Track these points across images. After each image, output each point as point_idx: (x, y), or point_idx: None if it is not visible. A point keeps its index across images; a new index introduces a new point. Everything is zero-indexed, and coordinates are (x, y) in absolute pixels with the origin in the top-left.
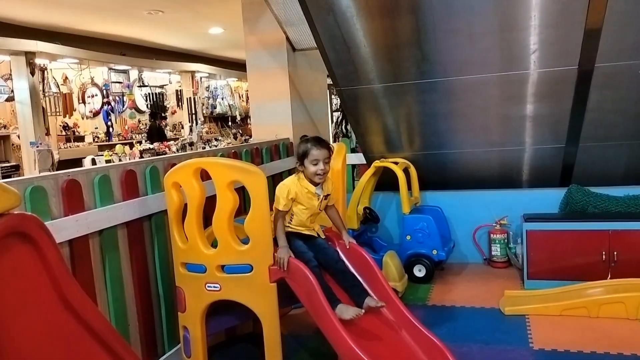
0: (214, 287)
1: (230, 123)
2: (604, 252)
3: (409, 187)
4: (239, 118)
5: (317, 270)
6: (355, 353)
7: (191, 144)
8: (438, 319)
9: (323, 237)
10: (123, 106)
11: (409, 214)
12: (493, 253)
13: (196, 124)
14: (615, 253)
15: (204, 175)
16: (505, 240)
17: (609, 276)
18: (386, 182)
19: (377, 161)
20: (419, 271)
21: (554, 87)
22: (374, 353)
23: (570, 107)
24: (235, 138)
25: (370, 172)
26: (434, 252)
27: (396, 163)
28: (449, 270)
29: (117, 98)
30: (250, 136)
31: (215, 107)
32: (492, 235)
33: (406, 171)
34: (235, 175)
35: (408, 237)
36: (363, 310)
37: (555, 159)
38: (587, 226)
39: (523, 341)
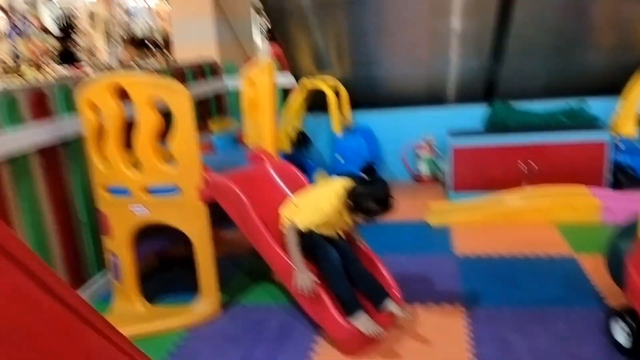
0: (141, 209)
1: (152, 47)
2: (523, 164)
3: (340, 108)
4: (161, 42)
5: (340, 268)
6: (291, 268)
7: (109, 68)
8: (367, 233)
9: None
10: (29, 27)
11: (339, 134)
12: (420, 170)
13: (114, 47)
14: (533, 164)
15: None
16: (432, 157)
17: (528, 186)
18: (317, 103)
19: (307, 82)
20: None
21: (479, 1)
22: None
23: (494, 22)
24: (159, 63)
25: (299, 92)
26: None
27: (326, 83)
28: None
29: (22, 18)
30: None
31: (134, 31)
32: (419, 152)
33: (337, 92)
34: (157, 92)
35: (339, 158)
36: (382, 330)
37: (479, 74)
38: (508, 140)
39: (446, 249)
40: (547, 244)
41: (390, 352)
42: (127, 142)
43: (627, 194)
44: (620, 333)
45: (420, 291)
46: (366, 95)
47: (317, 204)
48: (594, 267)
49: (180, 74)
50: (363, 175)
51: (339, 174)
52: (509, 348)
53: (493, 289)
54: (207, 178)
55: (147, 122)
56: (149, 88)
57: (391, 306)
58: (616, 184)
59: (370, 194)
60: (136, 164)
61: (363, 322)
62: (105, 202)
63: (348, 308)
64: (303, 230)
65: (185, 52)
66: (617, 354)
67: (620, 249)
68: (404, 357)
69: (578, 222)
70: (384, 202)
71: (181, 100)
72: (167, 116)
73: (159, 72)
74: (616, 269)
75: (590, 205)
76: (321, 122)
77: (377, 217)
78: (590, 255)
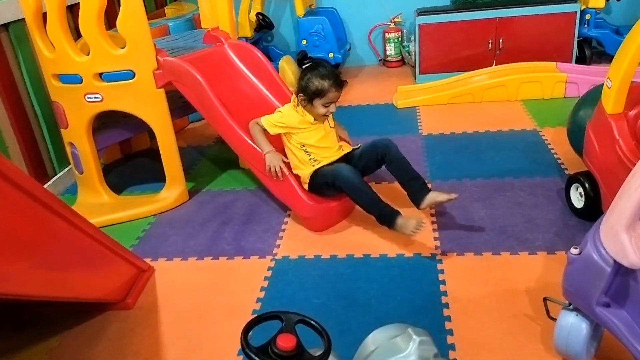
0: (95, 97)
1: None
2: (490, 41)
3: None
4: None
5: (357, 179)
6: (254, 150)
7: None
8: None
9: (351, 148)
10: None
11: (303, 16)
12: (388, 53)
13: None
14: (500, 41)
15: None
16: (400, 39)
17: (494, 63)
18: None
19: None
20: None
21: None
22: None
23: None
24: None
25: None
26: (331, 55)
27: None
28: (345, 73)
29: None
30: None
31: None
32: (386, 34)
33: None
34: None
35: (304, 42)
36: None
37: None
38: (476, 16)
39: (413, 129)
40: (512, 120)
41: (357, 223)
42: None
43: (592, 68)
44: (576, 196)
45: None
46: None
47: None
48: (557, 140)
49: None
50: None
51: (304, 57)
52: (470, 215)
53: (457, 164)
54: (161, 61)
55: (89, 2)
56: None
57: (438, 197)
58: (582, 58)
59: (313, 75)
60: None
61: (404, 226)
62: (57, 91)
63: (383, 220)
64: (265, 127)
65: None
66: (571, 215)
67: (581, 116)
68: (370, 229)
69: (543, 98)
70: (330, 77)
71: None
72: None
73: None
74: (576, 137)
75: (555, 80)
76: (284, 5)
77: (333, 96)
78: (553, 129)
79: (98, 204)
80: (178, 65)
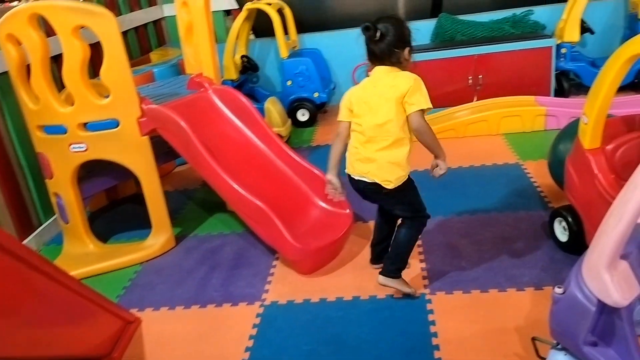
0: (79, 147)
1: None
2: (470, 77)
3: (286, 31)
4: None
5: (377, 221)
6: (240, 195)
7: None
8: (322, 156)
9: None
10: None
11: (287, 58)
12: None
13: None
14: (480, 77)
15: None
16: None
17: (475, 99)
18: (262, 27)
19: (248, 3)
20: (302, 115)
21: None
22: (260, 192)
23: None
24: None
25: (242, 16)
26: (316, 95)
27: (269, 4)
28: (331, 112)
29: None
30: None
31: None
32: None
33: (282, 13)
34: (79, 19)
35: (289, 83)
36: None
37: None
38: (455, 53)
39: None
40: (495, 155)
41: (346, 264)
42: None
43: (570, 100)
44: (560, 230)
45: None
46: (314, 17)
47: None
48: (539, 173)
49: (112, 3)
50: None
51: (291, 100)
52: (457, 253)
53: (443, 201)
54: (145, 109)
55: (73, 53)
56: (70, 14)
57: (385, 282)
58: (561, 91)
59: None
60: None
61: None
62: (41, 142)
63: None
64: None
65: None
66: (556, 249)
67: (561, 150)
68: (359, 269)
69: (524, 131)
70: None
71: (107, 25)
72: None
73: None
74: (557, 171)
75: (535, 114)
76: (268, 47)
77: None
78: (535, 162)
79: (84, 254)
80: (162, 113)
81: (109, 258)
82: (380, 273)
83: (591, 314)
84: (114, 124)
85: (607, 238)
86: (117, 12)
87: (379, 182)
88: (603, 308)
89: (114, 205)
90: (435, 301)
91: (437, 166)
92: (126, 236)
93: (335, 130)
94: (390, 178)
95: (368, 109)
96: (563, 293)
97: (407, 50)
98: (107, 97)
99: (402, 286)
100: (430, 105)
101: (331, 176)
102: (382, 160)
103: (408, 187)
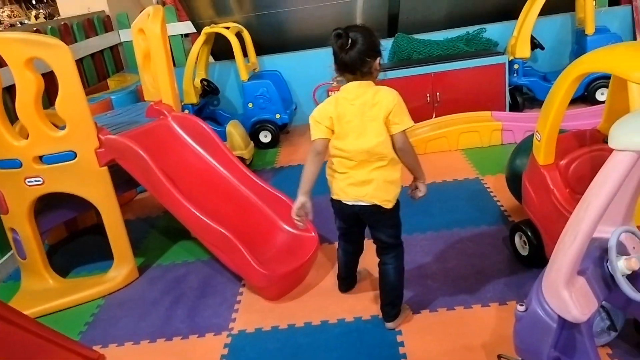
0: (35, 181)
1: (35, 2)
2: (428, 95)
3: (245, 54)
4: None
5: (344, 252)
6: (203, 223)
7: None
8: (286, 178)
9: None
10: None
11: (247, 81)
12: None
13: None
14: (437, 94)
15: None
16: None
17: (434, 115)
18: (221, 50)
19: (206, 27)
20: (265, 137)
21: None
22: (224, 219)
23: None
24: (47, 19)
25: (201, 40)
26: (277, 116)
27: (228, 28)
28: (294, 132)
29: None
30: None
31: None
32: (330, 92)
33: (240, 37)
34: (31, 51)
35: (250, 105)
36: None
37: (381, 9)
38: (412, 72)
39: None
40: (455, 170)
41: (313, 288)
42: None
43: (525, 114)
44: (520, 244)
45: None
46: (273, 39)
47: None
48: (498, 187)
49: (67, 30)
50: None
51: (253, 122)
52: (423, 271)
53: (407, 218)
54: (103, 139)
55: (26, 85)
56: (22, 47)
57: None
58: (515, 105)
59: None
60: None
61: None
62: None
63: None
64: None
65: (71, 6)
66: (518, 263)
67: (517, 165)
68: (326, 293)
69: (482, 146)
70: None
71: (60, 56)
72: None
73: (41, 27)
74: (515, 185)
75: (492, 129)
76: (228, 69)
77: None
78: (494, 176)
79: (43, 290)
80: (120, 143)
81: (69, 293)
82: (388, 321)
83: (553, 330)
84: (71, 155)
85: (563, 256)
86: (72, 39)
87: (379, 203)
88: (564, 324)
89: (74, 237)
90: (403, 322)
91: (416, 188)
92: (87, 269)
93: (312, 150)
94: (389, 197)
95: (351, 130)
96: (525, 311)
97: (378, 60)
98: (63, 128)
99: (406, 313)
100: (413, 123)
101: (305, 199)
102: (380, 180)
103: (398, 206)
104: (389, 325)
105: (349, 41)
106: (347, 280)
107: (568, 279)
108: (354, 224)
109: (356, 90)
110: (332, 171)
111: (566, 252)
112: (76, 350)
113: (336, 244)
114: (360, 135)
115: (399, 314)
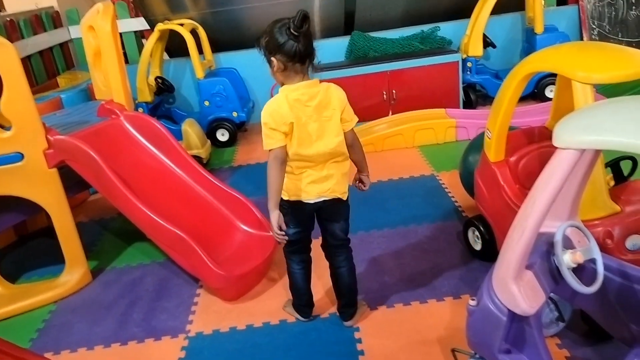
0: None
1: None
2: (385, 92)
3: (200, 51)
4: None
5: (305, 269)
6: (158, 224)
7: None
8: (244, 177)
9: (359, 188)
10: None
11: (203, 78)
12: None
13: None
14: (394, 91)
15: None
16: None
17: (390, 113)
18: (176, 47)
19: (160, 24)
20: (222, 135)
21: None
22: (179, 220)
23: None
24: None
25: (154, 37)
26: (234, 114)
27: (182, 25)
28: (251, 130)
29: None
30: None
31: None
32: None
33: (196, 33)
34: None
35: (206, 103)
36: None
37: (338, 7)
38: (369, 69)
39: None
40: (411, 167)
41: (272, 287)
42: None
43: (478, 111)
44: (473, 239)
45: None
46: (229, 36)
47: None
48: (453, 183)
49: (13, 26)
50: None
51: (210, 120)
52: (379, 267)
53: (364, 216)
54: (52, 140)
55: None
56: None
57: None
58: (469, 102)
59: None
60: None
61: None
62: None
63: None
64: (273, 148)
65: (18, 1)
66: (472, 257)
67: (470, 162)
68: (286, 291)
69: (437, 143)
70: None
71: (5, 54)
72: None
73: None
74: (468, 181)
75: (446, 126)
76: (183, 67)
77: None
78: (449, 172)
79: None
80: (70, 144)
81: (19, 299)
82: (347, 320)
83: (503, 324)
84: (18, 157)
85: (512, 251)
86: (19, 36)
87: (339, 196)
88: (513, 317)
89: (24, 241)
90: (360, 318)
91: (361, 181)
92: (38, 273)
93: (274, 159)
94: (345, 189)
95: (309, 134)
96: (476, 305)
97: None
98: (8, 129)
99: (362, 309)
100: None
101: (279, 212)
102: (338, 174)
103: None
104: (348, 323)
105: (308, 25)
106: (311, 302)
107: (517, 274)
108: (310, 224)
109: (309, 90)
110: (289, 174)
111: (514, 247)
112: (26, 358)
113: None
114: (319, 137)
115: (356, 311)
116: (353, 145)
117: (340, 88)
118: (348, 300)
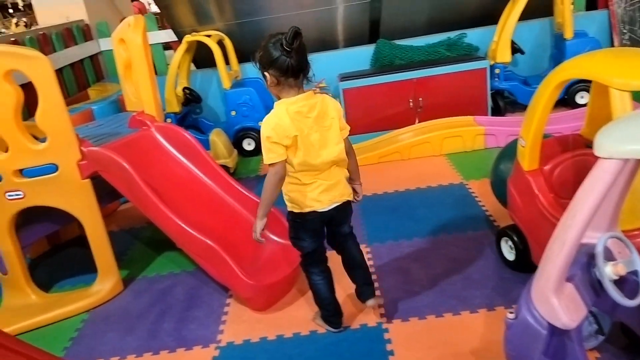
0: (16, 195)
1: (12, 11)
2: (411, 100)
3: (227, 61)
4: (21, 4)
5: (327, 279)
6: (188, 234)
7: None
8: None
9: (353, 199)
10: None
11: (230, 89)
12: None
13: None
14: (420, 99)
15: None
16: None
17: (417, 121)
18: (203, 58)
19: (187, 36)
20: (249, 145)
21: None
22: (209, 229)
23: None
24: (27, 27)
25: (182, 48)
26: (260, 123)
27: (209, 36)
28: None
29: None
30: None
31: None
32: None
33: (222, 44)
34: (10, 63)
35: (233, 113)
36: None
37: (363, 15)
38: (394, 77)
39: None
40: (440, 175)
41: (300, 296)
42: None
43: (507, 118)
44: (506, 249)
45: None
46: (256, 47)
47: None
48: (483, 192)
49: (46, 40)
50: None
51: (236, 130)
52: (410, 278)
53: (393, 225)
54: (85, 151)
55: (5, 98)
56: (0, 59)
57: (371, 303)
58: (497, 109)
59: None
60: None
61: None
62: None
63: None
64: (273, 161)
65: (49, 15)
66: (505, 268)
67: (501, 170)
68: (312, 303)
69: (465, 151)
70: None
71: (40, 68)
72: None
73: (20, 38)
74: (500, 190)
75: (475, 133)
76: (210, 77)
77: None
78: (478, 181)
79: (25, 306)
80: (103, 155)
81: (52, 308)
82: (369, 298)
83: (543, 337)
84: (52, 168)
85: (552, 264)
86: (51, 49)
87: (348, 198)
88: (554, 330)
89: (57, 250)
90: (392, 330)
91: (354, 192)
92: (71, 283)
93: (274, 174)
94: (350, 190)
95: (312, 144)
96: (515, 318)
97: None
98: (43, 140)
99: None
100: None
101: (265, 222)
102: (342, 178)
103: None
104: (371, 302)
105: (300, 41)
106: (339, 311)
107: (557, 286)
108: (323, 233)
109: (308, 102)
110: (297, 186)
111: (554, 259)
112: (33, 356)
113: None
114: (322, 147)
115: (374, 291)
116: (350, 152)
117: (334, 99)
118: (365, 278)
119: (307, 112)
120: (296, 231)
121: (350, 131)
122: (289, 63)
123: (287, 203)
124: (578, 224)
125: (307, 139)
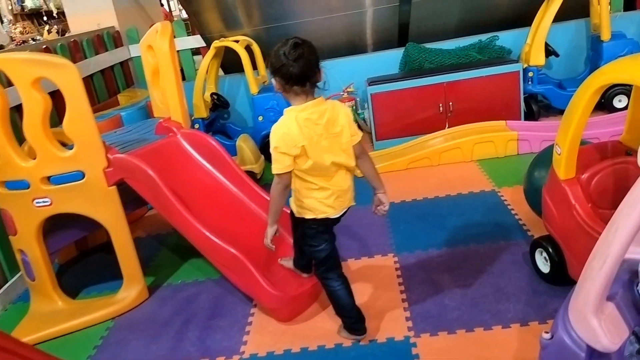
0: (44, 202)
1: (47, 19)
2: (441, 105)
3: (254, 66)
4: (55, 12)
5: (345, 284)
6: (213, 243)
7: (1, 47)
8: None
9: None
10: None
11: (257, 94)
12: None
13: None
14: (450, 104)
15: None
16: (354, 107)
17: (447, 126)
18: (231, 63)
19: (216, 41)
20: None
21: None
22: (234, 238)
23: None
24: (60, 34)
25: (210, 54)
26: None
27: (237, 42)
28: None
29: None
30: None
31: (24, 2)
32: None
33: (250, 50)
34: (38, 71)
35: (260, 118)
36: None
37: (392, 19)
38: (424, 81)
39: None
40: (470, 182)
41: (325, 308)
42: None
43: (540, 123)
44: (541, 260)
45: (351, 245)
46: None
47: None
48: (516, 200)
49: (76, 47)
50: None
51: (263, 135)
52: (439, 289)
53: (422, 234)
54: (111, 159)
55: (33, 105)
56: (29, 67)
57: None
58: (530, 114)
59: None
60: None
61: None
62: (3, 198)
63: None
64: (280, 172)
65: (81, 22)
66: (539, 280)
67: (536, 178)
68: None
69: (497, 157)
70: None
71: (68, 75)
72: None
73: (51, 45)
74: (534, 198)
75: (507, 139)
76: (238, 83)
77: None
78: (511, 188)
79: (52, 312)
80: (129, 162)
81: (79, 315)
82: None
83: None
84: (79, 175)
85: (591, 282)
86: (82, 56)
87: (353, 203)
88: (593, 353)
89: (84, 256)
90: (420, 344)
91: (380, 202)
92: (97, 289)
93: (279, 183)
94: (353, 194)
95: (322, 150)
96: (551, 338)
97: (321, 71)
98: (70, 147)
99: None
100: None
101: (276, 228)
102: (352, 184)
103: None
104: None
105: (301, 51)
106: (362, 316)
107: (597, 306)
108: (334, 237)
109: (317, 108)
110: (310, 190)
111: (594, 277)
112: (31, 357)
113: (350, 260)
114: (330, 152)
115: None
116: (362, 156)
117: (345, 105)
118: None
119: (317, 118)
120: (311, 238)
121: (379, 135)
122: (291, 72)
123: (298, 210)
124: (621, 239)
125: (318, 145)
